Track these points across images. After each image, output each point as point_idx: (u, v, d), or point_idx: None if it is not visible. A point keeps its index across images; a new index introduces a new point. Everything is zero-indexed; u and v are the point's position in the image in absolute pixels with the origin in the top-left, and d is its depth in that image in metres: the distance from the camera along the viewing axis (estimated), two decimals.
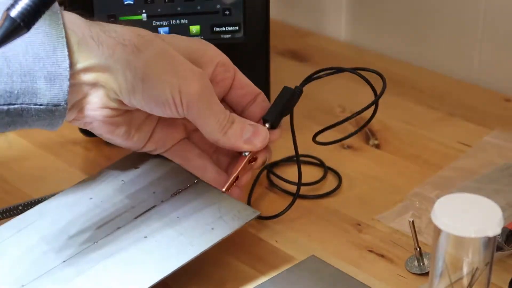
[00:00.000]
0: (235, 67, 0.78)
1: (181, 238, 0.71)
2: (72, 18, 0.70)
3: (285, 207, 0.80)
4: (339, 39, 1.18)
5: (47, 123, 0.70)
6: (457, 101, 1.01)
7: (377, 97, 0.79)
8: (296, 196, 0.80)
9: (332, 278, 0.72)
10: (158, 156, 0.79)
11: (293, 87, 0.79)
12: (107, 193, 0.76)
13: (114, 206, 0.75)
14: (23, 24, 0.61)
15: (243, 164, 0.75)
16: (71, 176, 0.86)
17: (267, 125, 0.77)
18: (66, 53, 0.68)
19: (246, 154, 0.76)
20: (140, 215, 0.74)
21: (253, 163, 0.76)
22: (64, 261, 0.70)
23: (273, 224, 0.79)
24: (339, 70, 0.80)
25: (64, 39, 0.68)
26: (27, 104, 0.68)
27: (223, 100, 0.78)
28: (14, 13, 0.60)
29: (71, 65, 0.68)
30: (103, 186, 0.77)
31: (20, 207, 0.80)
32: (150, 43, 0.72)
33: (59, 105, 0.68)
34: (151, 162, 0.79)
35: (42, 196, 0.81)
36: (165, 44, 0.73)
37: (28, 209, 0.78)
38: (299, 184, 0.80)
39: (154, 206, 0.74)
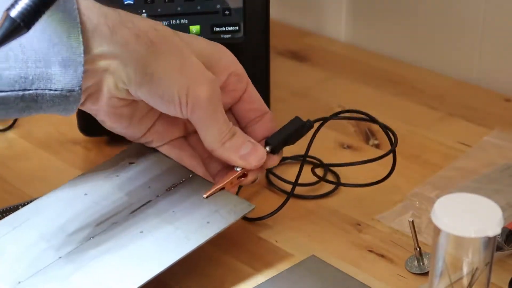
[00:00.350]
0: (249, 80, 0.77)
1: (178, 233, 0.71)
2: (87, 4, 0.69)
3: (278, 206, 0.80)
4: (339, 39, 1.18)
5: (62, 109, 0.69)
6: (457, 101, 1.01)
7: (392, 148, 0.80)
8: (290, 195, 0.80)
9: (332, 278, 0.72)
10: (153, 151, 0.79)
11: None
12: (102, 189, 0.76)
13: (109, 202, 0.75)
14: (23, 24, 0.61)
15: (231, 178, 0.75)
16: (71, 176, 0.85)
17: (268, 148, 0.76)
18: (81, 39, 0.67)
19: (238, 169, 0.75)
20: (136, 210, 0.74)
21: (242, 179, 0.76)
22: (60, 257, 0.70)
23: (273, 224, 0.79)
24: (369, 119, 0.80)
25: (79, 24, 0.67)
26: (41, 89, 0.67)
27: (229, 110, 0.78)
28: (14, 13, 0.61)
29: (85, 51, 0.68)
30: (98, 182, 0.77)
31: (20, 207, 0.80)
32: (165, 39, 0.71)
33: (73, 91, 0.68)
34: (146, 157, 0.79)
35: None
36: (181, 43, 0.72)
37: None
38: (295, 184, 0.80)
39: (149, 201, 0.74)
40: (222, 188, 0.75)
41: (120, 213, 0.73)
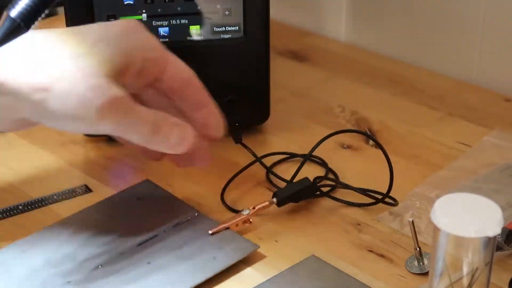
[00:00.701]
0: (167, 59, 0.74)
1: (184, 266, 0.72)
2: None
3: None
4: (339, 39, 1.18)
5: None
6: (457, 101, 1.01)
7: (386, 194, 0.81)
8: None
9: (332, 278, 0.72)
10: (160, 189, 0.81)
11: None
12: (111, 220, 0.77)
13: (117, 234, 0.76)
14: (23, 24, 0.61)
15: (237, 220, 0.77)
16: (71, 176, 0.86)
17: (274, 199, 0.79)
18: None
19: (245, 213, 0.77)
20: (143, 242, 0.75)
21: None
22: (68, 282, 0.70)
23: (273, 224, 0.79)
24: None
25: None
26: None
27: (157, 89, 0.76)
28: (14, 13, 0.61)
29: None
30: (107, 214, 0.78)
31: (20, 207, 0.80)
32: (63, 80, 0.69)
33: None
34: (153, 194, 0.81)
35: (42, 196, 0.81)
36: (83, 79, 0.69)
37: (28, 209, 0.79)
38: (291, 183, 0.81)
39: (156, 236, 0.75)
40: (227, 228, 0.76)
41: (127, 244, 0.74)
